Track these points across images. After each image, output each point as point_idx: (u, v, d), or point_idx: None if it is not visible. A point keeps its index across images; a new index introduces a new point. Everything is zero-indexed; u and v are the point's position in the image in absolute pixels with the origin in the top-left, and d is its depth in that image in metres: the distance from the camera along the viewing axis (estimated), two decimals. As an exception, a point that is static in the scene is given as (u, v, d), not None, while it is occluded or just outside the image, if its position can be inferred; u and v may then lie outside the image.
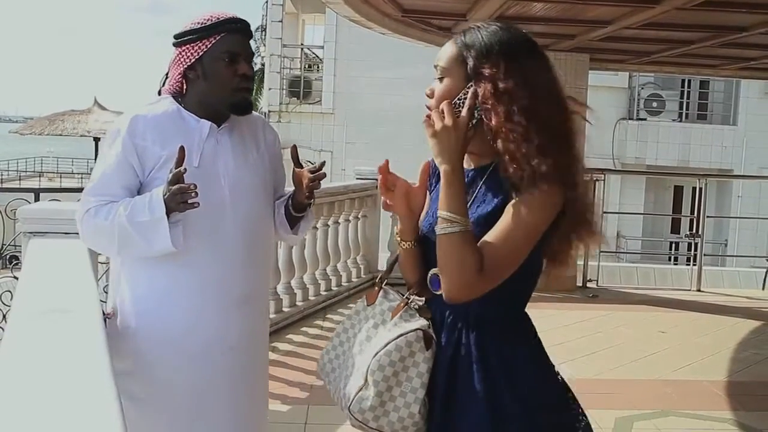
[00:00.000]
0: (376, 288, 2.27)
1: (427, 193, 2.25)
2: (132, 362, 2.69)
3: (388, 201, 2.18)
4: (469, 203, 2.06)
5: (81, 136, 24.86)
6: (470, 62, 2.03)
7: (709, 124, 21.12)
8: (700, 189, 9.96)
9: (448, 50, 2.09)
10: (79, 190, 6.33)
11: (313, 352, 6.13)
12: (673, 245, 20.08)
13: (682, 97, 21.40)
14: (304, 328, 6.79)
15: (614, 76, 18.81)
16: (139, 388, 2.67)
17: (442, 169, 1.98)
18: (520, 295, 2.15)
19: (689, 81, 21.02)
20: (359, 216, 8.53)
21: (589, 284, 9.31)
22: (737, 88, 20.40)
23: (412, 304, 2.16)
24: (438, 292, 2.06)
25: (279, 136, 2.97)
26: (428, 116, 2.02)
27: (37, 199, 4.84)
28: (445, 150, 1.98)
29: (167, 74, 2.78)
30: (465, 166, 2.09)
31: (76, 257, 3.09)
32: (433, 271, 2.11)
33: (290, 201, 2.83)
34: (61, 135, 25.13)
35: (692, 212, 11.51)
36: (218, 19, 2.65)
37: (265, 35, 22.07)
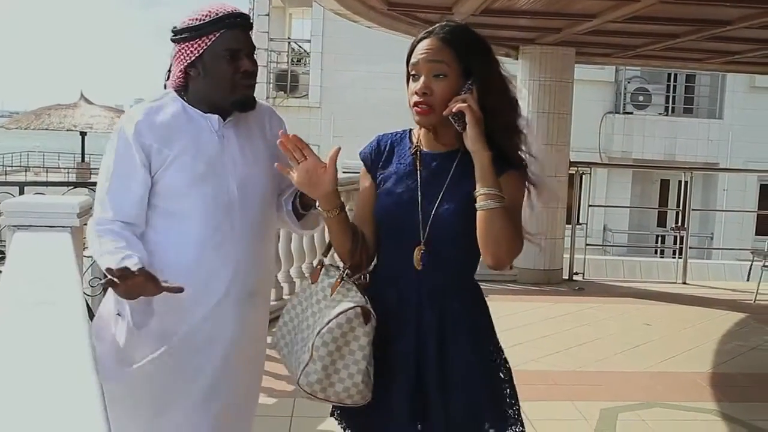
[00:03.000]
0: (317, 267, 2.39)
1: (370, 177, 2.49)
2: (137, 358, 2.68)
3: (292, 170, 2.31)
4: (445, 184, 2.32)
5: (67, 130, 24.67)
6: (465, 61, 2.27)
7: (696, 118, 21.19)
8: (686, 182, 10.02)
9: (443, 50, 2.27)
10: (65, 184, 6.30)
11: (299, 345, 6.13)
12: (660, 238, 20.17)
13: (668, 90, 21.48)
14: (290, 322, 6.79)
15: (601, 70, 18.84)
16: (142, 383, 2.68)
17: (485, 154, 2.20)
18: (477, 264, 2.40)
19: (675, 75, 21.10)
20: (346, 209, 8.52)
21: (575, 277, 9.35)
22: (723, 82, 20.49)
23: (347, 279, 2.31)
24: (423, 268, 2.30)
25: (285, 123, 2.92)
26: (469, 107, 2.20)
27: (21, 192, 4.82)
28: (481, 137, 2.20)
29: (170, 68, 2.73)
30: (432, 149, 2.38)
31: (60, 251, 3.08)
32: (419, 247, 2.30)
33: (298, 198, 2.80)
34: (47, 129, 24.93)
35: (678, 205, 11.59)
36: (217, 14, 2.58)
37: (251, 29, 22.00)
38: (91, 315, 4.51)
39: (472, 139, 2.20)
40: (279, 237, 6.87)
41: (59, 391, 1.54)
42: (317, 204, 2.36)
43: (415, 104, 2.29)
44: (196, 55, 2.59)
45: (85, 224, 4.11)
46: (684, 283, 9.62)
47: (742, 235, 18.07)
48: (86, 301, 4.44)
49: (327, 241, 2.46)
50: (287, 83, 20.69)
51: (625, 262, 11.21)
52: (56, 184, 6.62)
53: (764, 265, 8.69)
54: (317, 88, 20.34)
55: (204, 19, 2.58)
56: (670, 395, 5.39)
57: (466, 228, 2.23)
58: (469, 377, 2.32)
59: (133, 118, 2.61)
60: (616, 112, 20.68)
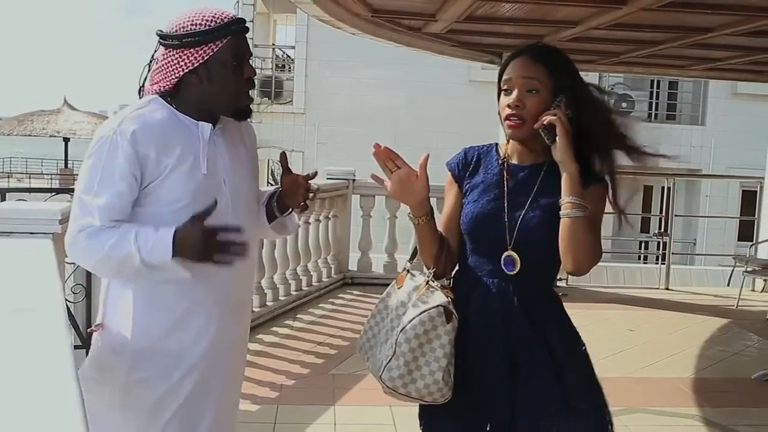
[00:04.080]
0: (403, 272, 2.56)
1: (457, 186, 2.59)
2: (126, 374, 2.56)
3: (386, 180, 2.43)
4: (532, 194, 2.46)
5: (51, 136, 24.47)
6: (555, 78, 2.42)
7: (678, 124, 21.29)
8: (669, 188, 10.05)
9: (535, 67, 2.43)
10: (48, 190, 6.27)
11: (283, 351, 6.12)
12: (643, 244, 20.23)
13: (651, 97, 21.59)
14: (274, 328, 6.78)
15: (584, 77, 18.89)
16: (135, 399, 2.57)
17: (573, 165, 2.34)
18: (557, 272, 2.56)
19: (658, 81, 21.21)
20: (330, 216, 8.53)
21: (559, 283, 9.33)
22: (705, 89, 20.60)
23: (432, 282, 2.44)
24: (511, 273, 2.43)
25: (270, 131, 2.88)
26: (559, 120, 2.34)
27: (3, 199, 4.78)
28: (569, 148, 2.35)
29: (147, 73, 2.62)
30: (520, 161, 2.52)
31: (41, 257, 3.07)
32: (507, 253, 2.43)
33: (275, 201, 2.78)
34: (30, 135, 24.74)
35: (661, 211, 11.62)
36: (223, 20, 2.48)
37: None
38: (73, 322, 4.50)
39: (561, 150, 2.35)
40: (263, 244, 6.89)
41: (38, 398, 1.53)
42: (408, 215, 2.49)
43: (507, 117, 2.43)
44: (200, 61, 2.48)
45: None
46: (667, 288, 9.64)
47: (725, 241, 18.15)
48: (68, 308, 4.42)
49: (412, 249, 2.62)
50: (271, 89, 20.66)
51: (608, 268, 11.21)
52: (38, 190, 6.59)
53: (746, 271, 8.72)
54: (301, 95, 20.32)
55: (210, 25, 2.48)
56: (653, 401, 5.40)
57: (550, 236, 2.38)
58: (564, 373, 2.46)
59: (127, 126, 2.47)
60: (600, 119, 20.73)
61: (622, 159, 2.54)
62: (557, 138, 2.35)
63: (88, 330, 2.61)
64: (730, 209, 19.21)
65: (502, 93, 2.48)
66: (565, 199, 2.34)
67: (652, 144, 2.59)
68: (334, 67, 19.55)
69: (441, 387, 2.36)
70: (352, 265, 8.97)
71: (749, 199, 19.40)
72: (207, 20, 2.48)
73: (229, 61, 2.52)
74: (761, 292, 9.45)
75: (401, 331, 2.36)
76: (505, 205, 2.47)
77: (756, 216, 10.65)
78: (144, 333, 2.55)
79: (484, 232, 2.49)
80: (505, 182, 2.50)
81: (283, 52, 23.27)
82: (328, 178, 8.71)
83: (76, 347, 4.39)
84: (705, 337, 7.32)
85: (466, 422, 2.47)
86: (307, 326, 7.04)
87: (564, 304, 2.60)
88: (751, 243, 10.28)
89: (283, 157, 2.79)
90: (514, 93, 2.43)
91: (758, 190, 10.67)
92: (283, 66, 22.91)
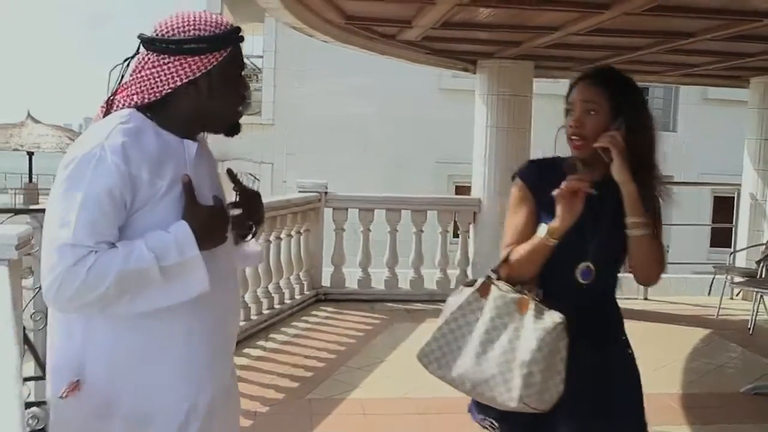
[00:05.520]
0: (488, 283, 2.64)
1: (532, 198, 2.70)
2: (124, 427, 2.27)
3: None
4: (605, 209, 2.60)
5: (14, 150, 24.13)
6: (614, 100, 2.60)
7: (649, 131, 21.35)
8: (647, 197, 9.94)
9: (594, 89, 2.63)
10: (6, 211, 6.00)
11: (256, 375, 5.89)
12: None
13: (622, 104, 21.63)
14: (246, 350, 6.55)
15: (555, 84, 18.89)
16: None
17: (631, 185, 2.54)
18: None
19: (629, 88, 21.24)
20: (302, 230, 8.32)
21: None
22: (676, 95, 20.71)
23: (536, 299, 2.57)
24: (586, 282, 2.61)
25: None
26: (612, 139, 2.53)
27: (-41, 219, 4.54)
28: (625, 169, 2.53)
29: (118, 82, 2.33)
30: (593, 177, 2.60)
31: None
32: (584, 264, 2.61)
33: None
34: (-8, 149, 24.40)
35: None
36: (227, 27, 2.25)
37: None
38: (32, 351, 4.24)
39: (617, 171, 2.54)
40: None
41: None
42: (548, 233, 2.53)
43: (570, 136, 2.63)
44: (202, 70, 2.22)
45: (28, 254, 3.84)
46: (645, 298, 9.54)
47: (698, 248, 18.18)
48: (27, 336, 4.17)
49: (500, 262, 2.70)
50: (239, 100, 20.46)
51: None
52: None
53: (731, 282, 8.63)
54: (270, 105, 20.16)
55: (215, 32, 2.23)
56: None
57: (622, 249, 2.63)
58: (629, 375, 2.82)
59: (116, 141, 2.16)
60: (571, 126, 20.74)
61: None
62: (613, 158, 2.52)
63: (59, 395, 2.24)
64: (702, 216, 19.24)
65: (567, 114, 2.67)
66: (629, 219, 2.56)
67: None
68: (303, 77, 19.39)
69: (560, 395, 2.51)
70: (325, 281, 8.77)
71: (721, 206, 19.52)
72: (212, 26, 2.24)
73: (232, 73, 2.30)
74: (741, 300, 9.35)
75: (536, 349, 2.46)
76: (583, 220, 2.55)
77: (733, 223, 10.57)
78: (136, 389, 2.26)
79: (563, 244, 2.56)
80: None
81: (251, 63, 23.10)
82: (299, 191, 8.52)
83: (35, 378, 4.14)
84: (688, 349, 7.27)
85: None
86: (281, 347, 6.83)
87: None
88: (730, 251, 10.21)
89: (231, 173, 2.54)
90: (575, 114, 2.62)
91: (735, 196, 10.63)
92: (250, 76, 22.72)
